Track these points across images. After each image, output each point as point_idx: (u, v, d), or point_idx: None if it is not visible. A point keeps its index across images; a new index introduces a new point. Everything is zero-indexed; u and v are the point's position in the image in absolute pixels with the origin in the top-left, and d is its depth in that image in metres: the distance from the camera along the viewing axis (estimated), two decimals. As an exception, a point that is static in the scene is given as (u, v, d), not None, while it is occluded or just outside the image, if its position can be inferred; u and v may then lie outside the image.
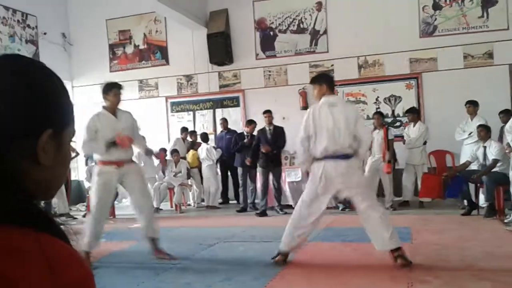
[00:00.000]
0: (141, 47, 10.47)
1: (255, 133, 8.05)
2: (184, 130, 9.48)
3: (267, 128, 7.78)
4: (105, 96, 4.70)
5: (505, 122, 6.56)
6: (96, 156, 4.83)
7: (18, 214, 0.62)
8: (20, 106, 0.67)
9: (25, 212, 0.63)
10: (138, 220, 4.89)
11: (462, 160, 7.30)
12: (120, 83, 10.86)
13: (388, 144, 7.38)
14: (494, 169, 6.26)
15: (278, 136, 7.70)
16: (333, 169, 4.02)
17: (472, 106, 7.36)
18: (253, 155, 7.80)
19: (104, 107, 4.75)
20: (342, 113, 4.06)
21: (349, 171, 4.04)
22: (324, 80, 4.28)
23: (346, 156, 4.04)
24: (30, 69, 0.72)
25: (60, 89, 0.75)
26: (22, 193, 0.65)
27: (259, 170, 7.88)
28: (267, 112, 7.81)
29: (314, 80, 4.35)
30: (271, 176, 7.70)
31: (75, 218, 7.98)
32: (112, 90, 4.66)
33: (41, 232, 0.62)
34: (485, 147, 6.47)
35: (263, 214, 7.49)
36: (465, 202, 6.72)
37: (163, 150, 8.99)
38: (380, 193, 7.55)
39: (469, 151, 7.06)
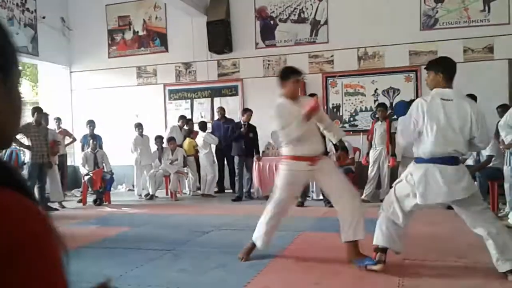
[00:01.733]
0: (140, 33, 10.41)
1: (251, 122, 8.10)
2: (181, 118, 9.46)
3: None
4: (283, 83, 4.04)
5: (502, 117, 6.56)
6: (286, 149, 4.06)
7: None
8: None
9: None
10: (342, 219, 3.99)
11: None
12: (118, 69, 10.90)
13: (391, 137, 7.38)
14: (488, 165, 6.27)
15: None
16: (438, 175, 3.37)
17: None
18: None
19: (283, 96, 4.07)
20: (457, 111, 3.38)
21: (456, 177, 3.38)
22: (442, 69, 3.51)
23: (454, 161, 3.43)
24: None
25: (2, 31, 0.70)
26: None
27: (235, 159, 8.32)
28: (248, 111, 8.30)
29: (431, 66, 3.59)
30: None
31: (64, 207, 7.95)
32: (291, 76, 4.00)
33: None
34: (479, 142, 6.45)
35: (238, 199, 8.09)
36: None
37: (160, 138, 8.98)
38: (378, 186, 7.58)
39: None
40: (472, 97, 7.34)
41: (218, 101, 9.87)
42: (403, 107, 3.72)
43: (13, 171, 0.65)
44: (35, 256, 0.59)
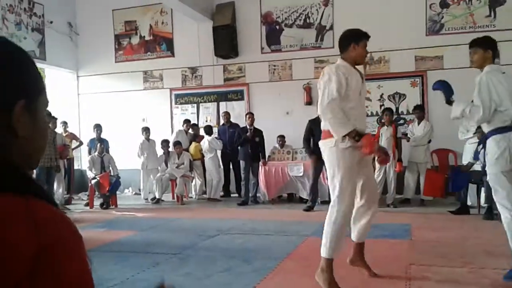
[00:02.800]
0: (147, 38, 10.48)
1: (255, 125, 8.25)
2: (186, 121, 9.50)
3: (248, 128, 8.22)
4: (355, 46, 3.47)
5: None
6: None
7: (7, 181, 0.65)
8: None
9: (12, 179, 0.66)
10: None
11: (464, 159, 7.31)
12: (125, 73, 10.98)
13: (397, 142, 7.38)
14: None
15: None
16: None
17: None
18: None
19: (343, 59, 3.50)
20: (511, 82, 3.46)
21: None
22: (490, 46, 3.59)
23: None
24: None
25: (26, 60, 0.75)
26: (8, 164, 0.67)
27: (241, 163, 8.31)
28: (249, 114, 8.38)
29: (480, 44, 3.62)
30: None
31: (69, 210, 8.03)
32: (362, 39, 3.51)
33: (28, 195, 0.64)
34: (487, 147, 6.43)
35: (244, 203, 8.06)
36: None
37: (166, 142, 9.03)
38: (384, 191, 7.57)
39: (472, 150, 7.05)
40: None
41: (224, 106, 9.91)
42: (445, 87, 3.58)
43: (35, 180, 0.70)
44: (64, 258, 0.63)
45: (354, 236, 3.69)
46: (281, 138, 8.57)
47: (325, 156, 3.43)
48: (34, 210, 0.63)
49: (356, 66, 3.52)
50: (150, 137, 9.27)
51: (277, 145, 8.58)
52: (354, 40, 3.48)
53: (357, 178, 3.44)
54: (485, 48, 3.57)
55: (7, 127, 0.69)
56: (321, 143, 3.47)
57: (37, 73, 0.77)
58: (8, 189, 0.64)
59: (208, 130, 9.00)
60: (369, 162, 3.62)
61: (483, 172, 6.32)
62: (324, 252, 3.38)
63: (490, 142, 3.52)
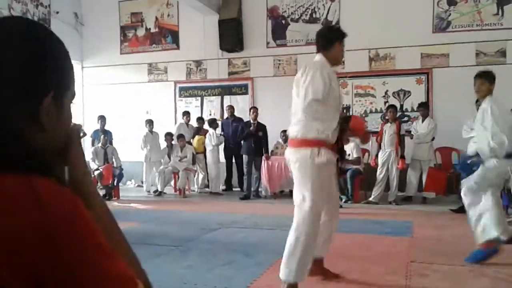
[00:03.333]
0: (153, 30, 10.47)
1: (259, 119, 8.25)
2: (185, 114, 9.48)
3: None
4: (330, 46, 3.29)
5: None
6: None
7: (12, 160, 0.64)
8: (23, 68, 0.67)
9: (18, 158, 0.64)
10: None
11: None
12: (130, 65, 10.97)
13: (400, 139, 7.37)
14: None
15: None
16: None
17: None
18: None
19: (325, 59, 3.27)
20: None
21: None
22: (494, 80, 4.10)
23: None
24: (33, 32, 0.71)
25: (62, 52, 0.74)
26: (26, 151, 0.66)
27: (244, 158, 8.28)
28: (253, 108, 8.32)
29: (488, 77, 4.08)
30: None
31: None
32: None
33: (33, 173, 0.63)
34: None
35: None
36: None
37: (169, 135, 9.04)
38: (386, 188, 7.57)
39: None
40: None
41: (228, 99, 9.90)
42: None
43: (44, 160, 0.68)
44: (74, 237, 0.62)
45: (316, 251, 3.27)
46: (285, 133, 8.56)
47: (295, 166, 3.10)
48: (37, 186, 0.62)
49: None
50: (154, 130, 9.28)
51: (280, 140, 8.58)
52: (339, 38, 3.29)
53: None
54: (490, 82, 4.07)
55: (32, 119, 0.67)
56: (292, 152, 3.14)
57: (71, 65, 0.76)
58: (13, 167, 0.63)
59: (211, 122, 8.99)
60: (334, 172, 3.32)
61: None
62: (290, 276, 3.04)
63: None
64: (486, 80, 4.07)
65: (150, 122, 9.25)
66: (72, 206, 0.64)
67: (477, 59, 8.31)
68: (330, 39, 3.28)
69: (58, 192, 0.64)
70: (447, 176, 7.17)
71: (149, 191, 9.09)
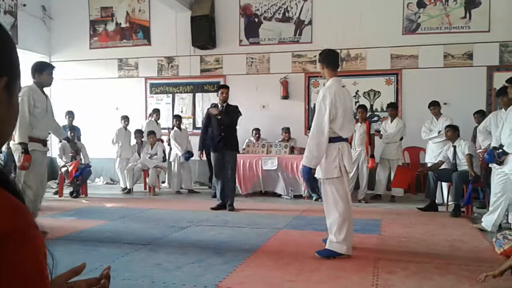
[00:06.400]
0: (123, 25, 10.29)
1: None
2: (155, 111, 9.33)
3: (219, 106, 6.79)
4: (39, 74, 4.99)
5: (479, 122, 6.71)
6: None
7: None
8: None
9: None
10: None
11: (427, 158, 7.51)
12: (99, 60, 10.76)
13: (370, 138, 7.46)
14: (463, 168, 6.39)
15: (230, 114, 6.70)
16: None
17: (438, 107, 7.47)
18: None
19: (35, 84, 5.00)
20: None
21: None
22: None
23: None
24: None
25: (11, 41, 0.75)
26: None
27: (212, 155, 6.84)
28: (223, 88, 6.87)
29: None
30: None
31: None
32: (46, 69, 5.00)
33: None
34: (455, 147, 6.59)
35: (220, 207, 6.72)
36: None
37: (139, 132, 8.90)
38: (356, 186, 7.65)
39: (436, 149, 7.25)
40: (438, 103, 7.56)
41: (200, 97, 9.83)
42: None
43: (2, 170, 0.67)
44: (19, 249, 0.60)
45: None
46: (257, 131, 8.55)
47: None
48: None
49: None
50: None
51: (252, 138, 8.57)
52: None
53: None
54: None
55: None
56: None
57: (18, 56, 0.76)
58: None
59: (177, 118, 8.84)
60: None
61: (428, 168, 6.54)
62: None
63: None
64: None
65: (125, 118, 9.05)
66: (22, 220, 0.62)
67: (445, 60, 8.50)
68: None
69: (11, 205, 0.62)
70: (415, 175, 7.31)
71: (125, 188, 8.81)
